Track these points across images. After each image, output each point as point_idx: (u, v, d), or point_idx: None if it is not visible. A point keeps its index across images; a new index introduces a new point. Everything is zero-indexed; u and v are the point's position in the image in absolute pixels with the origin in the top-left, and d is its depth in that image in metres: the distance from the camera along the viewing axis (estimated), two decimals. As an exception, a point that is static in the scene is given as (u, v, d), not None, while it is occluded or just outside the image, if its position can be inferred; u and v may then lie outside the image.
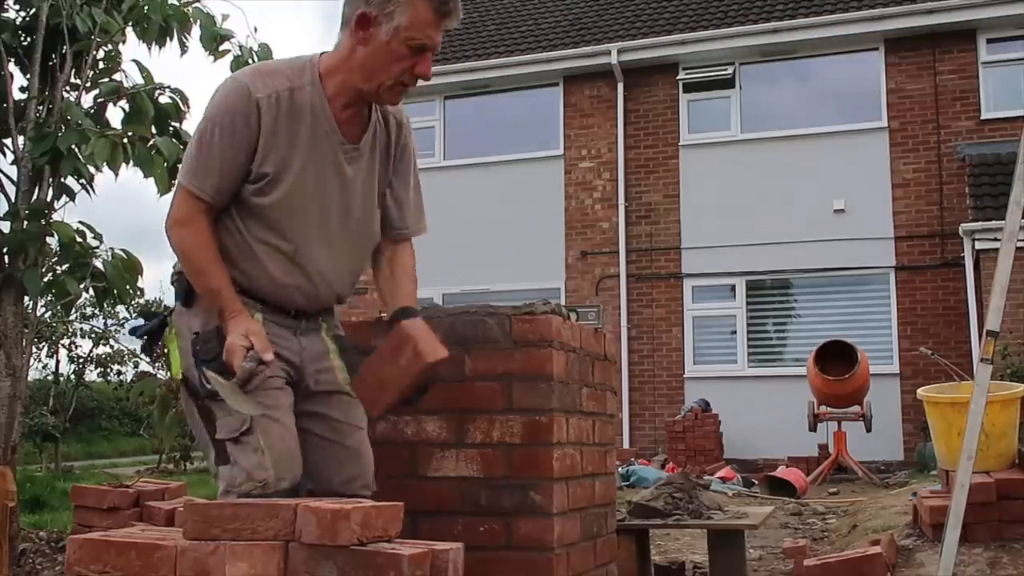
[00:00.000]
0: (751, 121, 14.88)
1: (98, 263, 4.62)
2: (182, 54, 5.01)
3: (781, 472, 10.33)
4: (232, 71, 5.15)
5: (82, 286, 4.73)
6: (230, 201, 2.43)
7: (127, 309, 17.31)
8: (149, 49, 4.92)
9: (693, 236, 14.84)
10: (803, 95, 15.06)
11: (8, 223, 4.57)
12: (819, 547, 6.12)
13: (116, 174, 4.38)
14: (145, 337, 2.54)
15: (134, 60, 4.90)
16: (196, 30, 5.06)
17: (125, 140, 4.36)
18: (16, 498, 4.29)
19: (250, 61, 5.16)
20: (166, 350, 2.50)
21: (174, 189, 2.48)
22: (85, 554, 1.85)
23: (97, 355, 18.15)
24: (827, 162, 14.22)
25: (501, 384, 2.72)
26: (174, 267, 2.52)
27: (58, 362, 18.69)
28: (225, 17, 5.15)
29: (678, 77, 15.09)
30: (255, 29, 5.30)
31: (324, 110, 2.45)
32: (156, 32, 4.89)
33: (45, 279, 4.64)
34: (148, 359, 16.97)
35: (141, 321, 2.59)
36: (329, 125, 2.46)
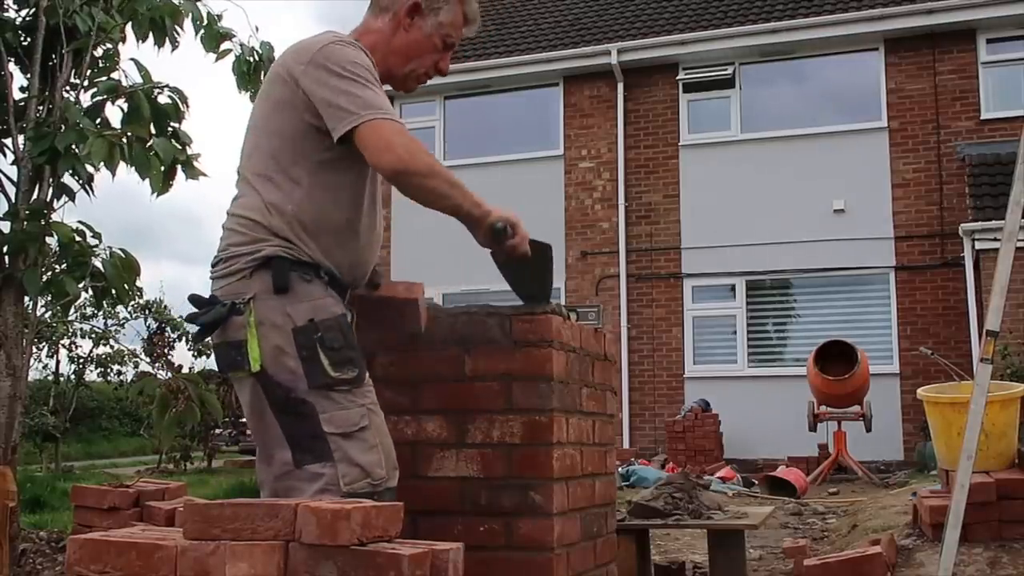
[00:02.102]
0: (751, 121, 14.89)
1: (97, 263, 4.61)
2: (173, 50, 4.97)
3: (781, 472, 10.33)
4: (234, 71, 5.16)
5: (81, 286, 4.72)
6: (330, 176, 2.41)
7: (126, 309, 17.36)
8: (138, 45, 4.91)
9: (693, 236, 14.84)
10: (803, 95, 15.06)
11: (8, 223, 4.57)
12: (819, 547, 6.12)
13: (113, 174, 4.36)
14: (204, 326, 2.37)
15: (132, 59, 4.88)
16: (188, 24, 5.04)
17: (124, 140, 4.35)
18: (16, 498, 4.29)
19: (250, 60, 5.16)
20: (239, 340, 2.34)
21: (367, 130, 2.31)
22: (85, 554, 1.85)
23: (97, 355, 18.18)
24: (827, 162, 14.22)
25: (501, 384, 2.72)
26: (252, 251, 2.35)
27: (58, 362, 18.73)
28: (220, 16, 5.13)
29: (678, 77, 15.10)
30: (256, 29, 5.30)
31: None
32: (147, 26, 4.86)
33: (44, 279, 4.63)
34: (149, 359, 17.01)
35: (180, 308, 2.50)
36: None
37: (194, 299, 2.43)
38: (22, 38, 4.83)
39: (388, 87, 2.58)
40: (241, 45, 5.18)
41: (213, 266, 2.44)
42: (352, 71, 2.35)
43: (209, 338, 2.43)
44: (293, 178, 2.39)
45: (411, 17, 2.52)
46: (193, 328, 2.44)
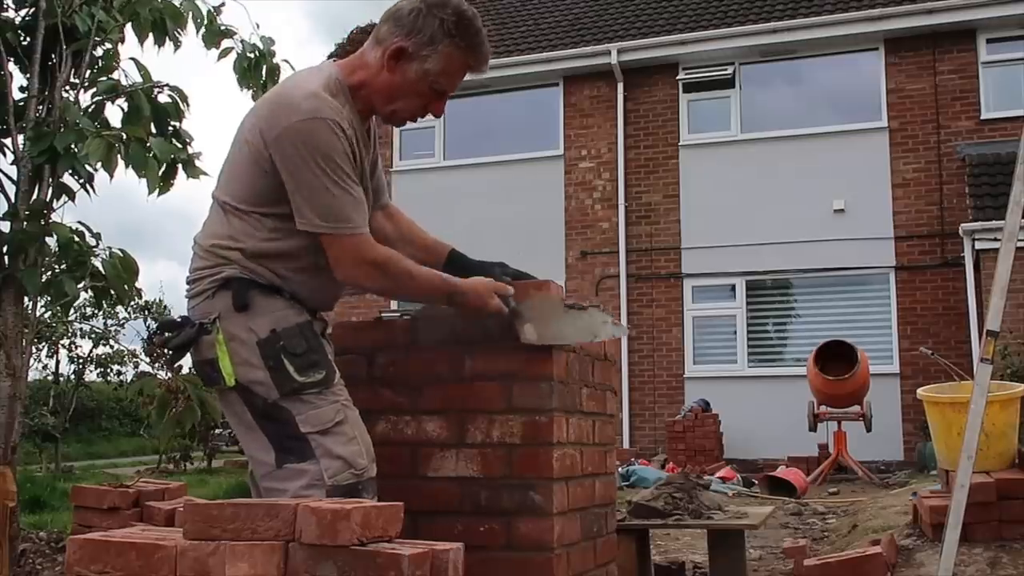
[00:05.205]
0: (751, 121, 14.89)
1: (97, 263, 4.61)
2: (175, 50, 4.97)
3: (781, 472, 10.33)
4: (235, 71, 5.15)
5: (81, 286, 4.72)
6: (292, 224, 2.39)
7: (126, 309, 17.36)
8: (141, 45, 4.90)
9: (693, 236, 14.84)
10: (803, 95, 15.07)
11: (8, 223, 4.57)
12: (819, 547, 6.12)
13: (111, 175, 4.35)
14: (176, 349, 2.45)
15: (132, 58, 4.87)
16: (191, 25, 5.03)
17: (123, 139, 4.34)
18: (16, 498, 4.29)
19: (251, 56, 5.14)
20: (210, 357, 2.42)
21: (328, 240, 2.37)
22: (85, 554, 1.85)
23: (97, 355, 18.17)
24: (827, 162, 14.23)
25: (501, 384, 2.72)
26: (213, 273, 2.43)
27: (58, 362, 18.76)
28: (219, 10, 5.10)
29: (678, 77, 15.10)
30: (257, 26, 5.27)
31: (361, 126, 2.49)
32: (149, 27, 4.86)
33: (44, 279, 4.63)
34: (149, 359, 17.01)
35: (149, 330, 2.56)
36: (363, 140, 2.50)
37: (166, 323, 2.53)
38: (22, 38, 4.82)
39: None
40: (242, 42, 5.17)
41: (187, 285, 2.51)
42: (322, 166, 2.30)
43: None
44: (256, 218, 2.42)
45: (395, 60, 2.42)
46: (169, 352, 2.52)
